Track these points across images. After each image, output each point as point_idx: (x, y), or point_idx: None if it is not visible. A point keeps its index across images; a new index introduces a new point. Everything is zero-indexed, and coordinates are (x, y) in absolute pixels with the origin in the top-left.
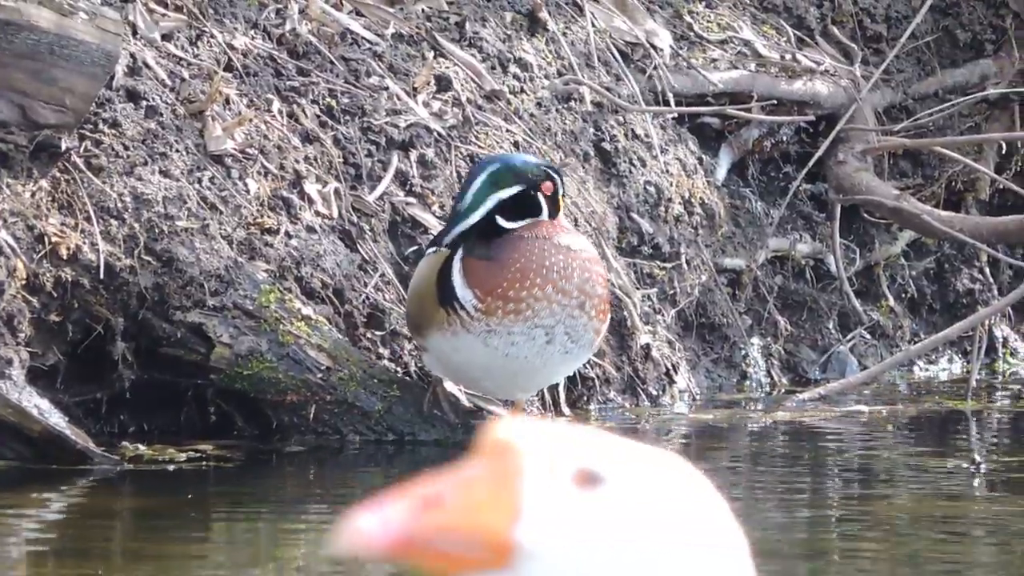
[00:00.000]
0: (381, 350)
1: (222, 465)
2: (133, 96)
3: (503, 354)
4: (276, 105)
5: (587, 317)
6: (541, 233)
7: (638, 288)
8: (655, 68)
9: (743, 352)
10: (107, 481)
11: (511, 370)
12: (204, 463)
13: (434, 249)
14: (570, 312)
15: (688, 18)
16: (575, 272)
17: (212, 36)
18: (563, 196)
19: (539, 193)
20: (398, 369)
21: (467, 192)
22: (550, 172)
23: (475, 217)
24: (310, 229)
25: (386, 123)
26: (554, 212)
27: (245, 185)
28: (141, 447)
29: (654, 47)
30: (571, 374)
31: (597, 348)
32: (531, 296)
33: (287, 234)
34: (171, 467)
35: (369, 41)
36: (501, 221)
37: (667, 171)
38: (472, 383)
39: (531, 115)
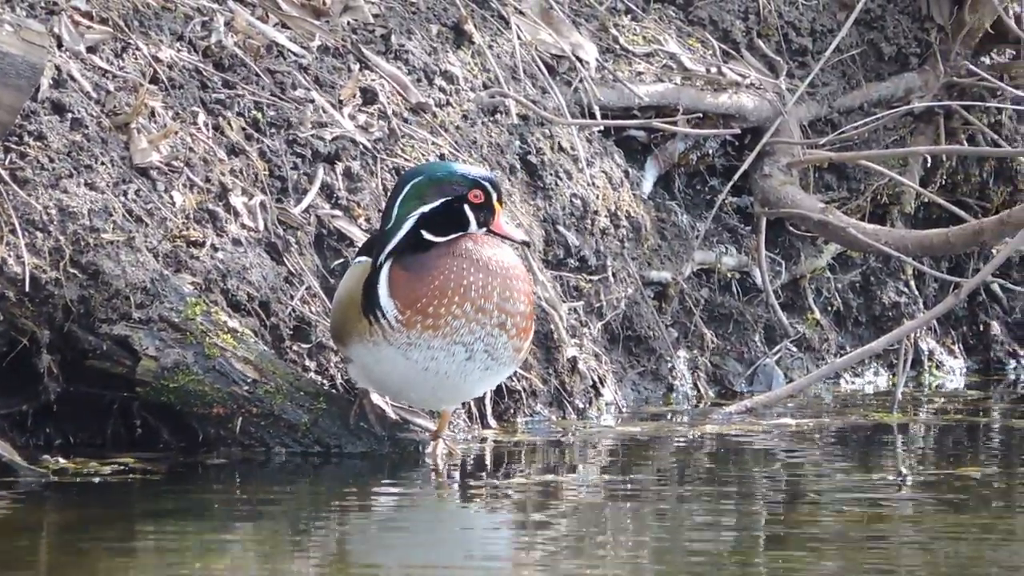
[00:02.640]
0: (307, 363)
1: (148, 478)
2: (58, 108)
3: (423, 368)
4: (202, 118)
5: (507, 336)
6: (463, 249)
7: (564, 301)
8: (581, 81)
9: (669, 365)
10: (32, 494)
11: (431, 384)
12: (130, 476)
13: (360, 259)
14: (489, 331)
15: (614, 31)
16: (495, 291)
17: (138, 48)
18: (500, 201)
19: (465, 204)
20: (324, 382)
21: (392, 208)
22: (478, 180)
23: (399, 235)
24: (236, 242)
25: (312, 136)
26: (486, 220)
27: (171, 198)
28: (63, 460)
29: (580, 60)
30: (496, 386)
31: (522, 362)
32: (449, 313)
33: (213, 247)
34: (96, 480)
35: (295, 54)
36: (427, 235)
37: (593, 184)
38: (396, 394)
39: (457, 128)
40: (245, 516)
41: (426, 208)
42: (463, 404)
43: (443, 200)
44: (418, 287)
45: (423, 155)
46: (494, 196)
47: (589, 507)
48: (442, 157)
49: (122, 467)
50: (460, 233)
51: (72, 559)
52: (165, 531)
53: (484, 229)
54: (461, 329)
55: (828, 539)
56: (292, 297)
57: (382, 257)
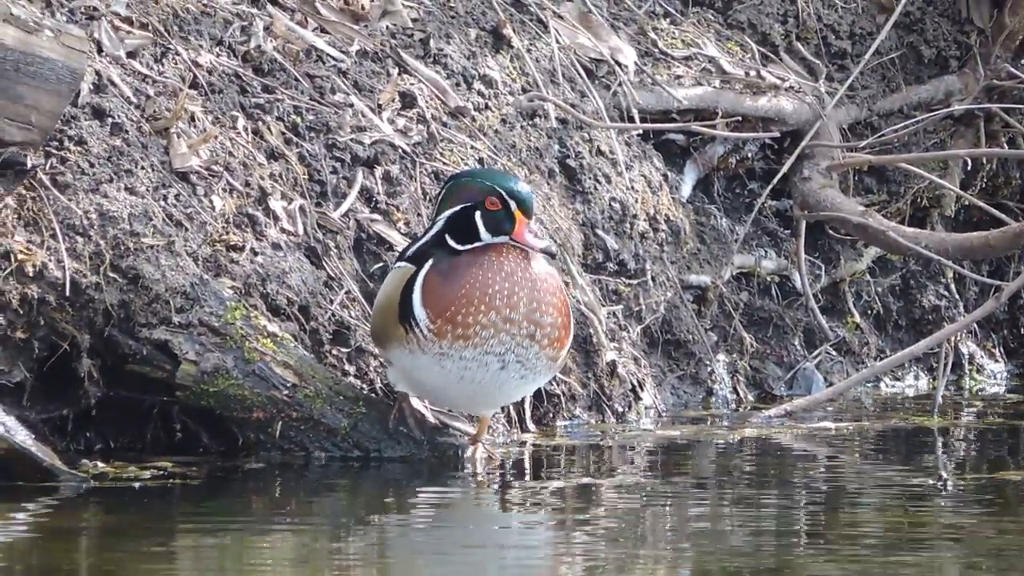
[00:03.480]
0: (347, 367)
1: (187, 482)
2: (99, 113)
3: (458, 377)
4: (241, 122)
5: (538, 347)
6: (489, 258)
7: (604, 305)
8: (620, 85)
9: (709, 369)
10: (73, 499)
11: (468, 391)
12: (169, 481)
13: (400, 264)
14: (519, 342)
15: (652, 35)
16: (521, 301)
17: (177, 53)
18: (523, 210)
19: (477, 211)
20: (364, 386)
21: (434, 210)
22: (494, 187)
23: (430, 235)
24: (275, 246)
25: (351, 140)
26: (503, 228)
27: (211, 202)
28: (102, 465)
29: (619, 64)
30: (535, 391)
31: (560, 367)
32: (477, 323)
33: (252, 251)
34: (136, 484)
35: (334, 58)
36: (451, 242)
37: (632, 187)
38: (435, 399)
39: (496, 132)
40: (284, 520)
41: (450, 212)
42: (502, 408)
43: (462, 205)
44: (447, 295)
45: (462, 159)
46: (512, 204)
47: (627, 510)
48: (481, 162)
49: (161, 471)
50: (479, 242)
51: (112, 565)
52: (205, 536)
53: (505, 238)
54: (491, 340)
55: (868, 542)
56: (332, 301)
57: (411, 252)
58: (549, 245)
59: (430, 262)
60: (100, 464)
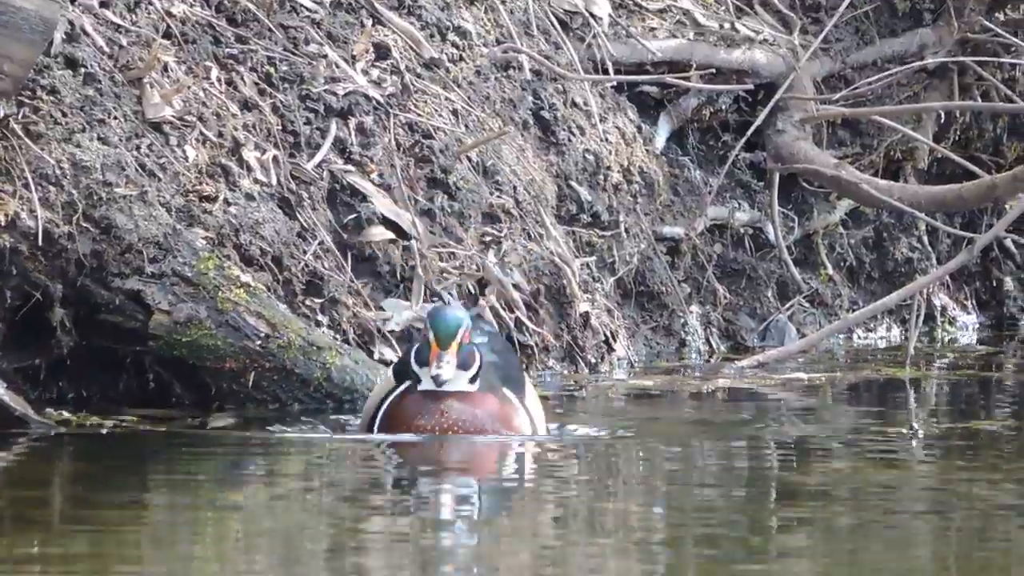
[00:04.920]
0: (320, 317)
1: (156, 430)
2: (71, 63)
3: None
4: (215, 72)
5: None
6: (429, 403)
7: (577, 256)
8: (594, 36)
9: (682, 320)
10: (44, 447)
11: None
12: (140, 428)
13: (390, 374)
14: None
15: None
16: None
17: (150, 3)
18: (436, 339)
19: (416, 347)
20: (337, 336)
21: None
22: (426, 320)
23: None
24: (249, 196)
25: (325, 91)
26: (424, 359)
27: (184, 152)
28: (67, 414)
29: (593, 15)
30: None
31: None
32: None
33: (226, 201)
34: (105, 432)
35: (308, 8)
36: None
37: (606, 139)
38: None
39: (470, 83)
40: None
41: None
42: None
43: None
44: (399, 427)
45: (436, 111)
46: (430, 334)
47: (602, 458)
48: (455, 112)
49: (130, 420)
50: (418, 379)
51: (80, 510)
52: (175, 484)
53: (427, 369)
54: None
55: (840, 493)
56: (305, 252)
57: (398, 372)
58: (439, 375)
59: (403, 387)
60: (65, 413)
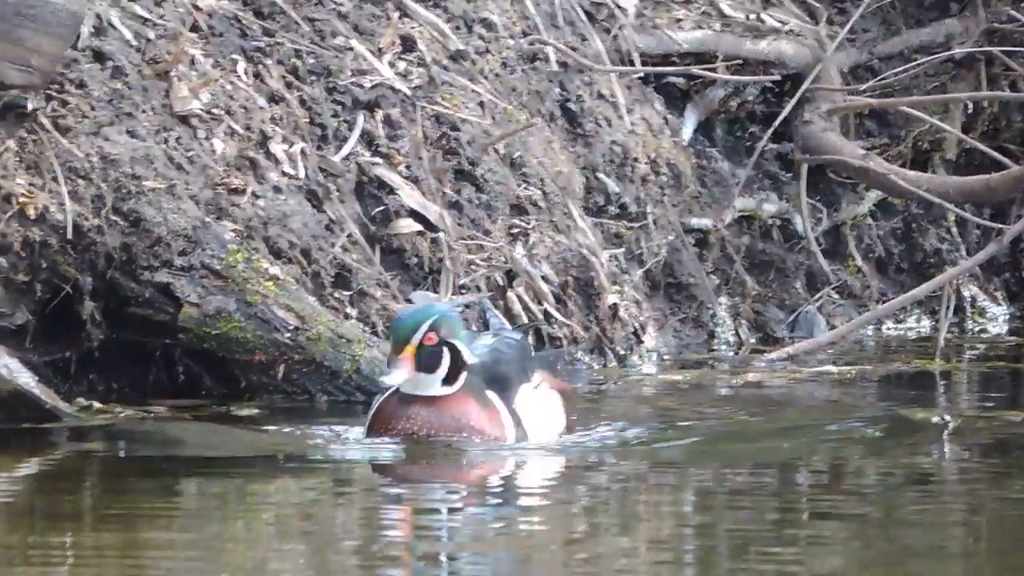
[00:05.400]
0: (349, 310)
1: (189, 423)
2: (99, 57)
3: None
4: (242, 65)
5: None
6: (403, 406)
7: (605, 248)
8: (620, 28)
9: (711, 312)
10: (76, 439)
11: None
12: (171, 421)
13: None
14: None
15: None
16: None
17: None
18: (395, 344)
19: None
20: (366, 328)
21: None
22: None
23: None
24: (277, 189)
25: (351, 83)
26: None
27: (211, 145)
28: (97, 405)
29: (619, 7)
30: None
31: None
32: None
33: (254, 194)
34: (134, 423)
35: (334, 1)
36: None
37: (633, 131)
38: None
39: (496, 75)
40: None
41: None
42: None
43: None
44: (381, 429)
45: (463, 103)
46: (391, 339)
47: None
48: (482, 104)
49: (164, 412)
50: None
51: (115, 504)
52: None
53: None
54: None
55: (871, 485)
56: (333, 244)
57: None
58: (383, 380)
59: (391, 390)
60: (96, 404)
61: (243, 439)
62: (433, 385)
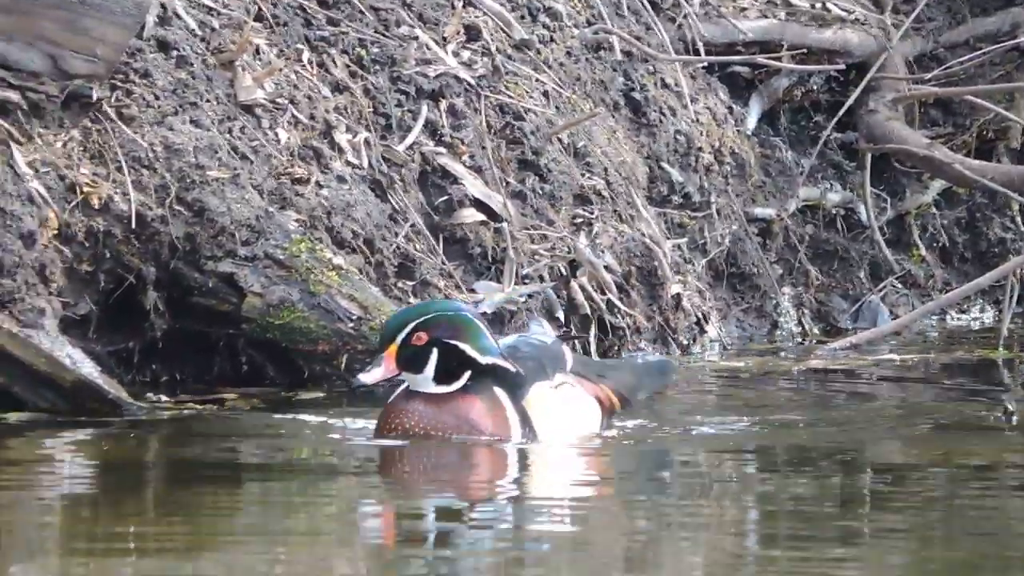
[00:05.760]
0: (412, 300)
1: (253, 414)
2: (164, 46)
3: None
4: (306, 55)
5: None
6: (407, 403)
7: (668, 238)
8: (685, 17)
9: (774, 302)
10: (139, 430)
11: None
12: (236, 412)
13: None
14: None
15: None
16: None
17: None
18: (382, 343)
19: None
20: None
21: None
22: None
23: None
24: (340, 179)
25: (416, 73)
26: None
27: (276, 135)
28: (165, 398)
29: None
30: (600, 323)
31: None
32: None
33: (318, 184)
34: (202, 417)
35: None
36: None
37: (697, 120)
38: None
39: (560, 64)
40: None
41: None
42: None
43: None
44: (380, 424)
45: (527, 92)
46: (386, 345)
47: (695, 439)
48: (546, 94)
49: (225, 403)
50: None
51: (179, 495)
52: (271, 465)
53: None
54: None
55: (934, 474)
56: (396, 235)
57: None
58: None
59: (403, 387)
60: (164, 397)
61: (299, 430)
62: (426, 384)
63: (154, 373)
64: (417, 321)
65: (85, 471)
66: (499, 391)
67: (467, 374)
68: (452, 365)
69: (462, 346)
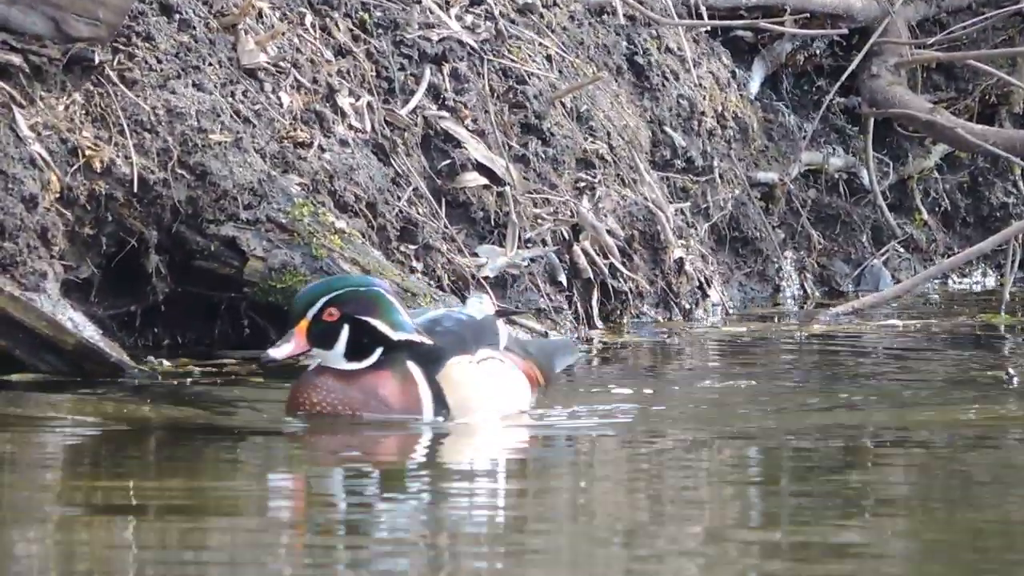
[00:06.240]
0: (415, 263)
1: (250, 377)
2: (166, 9)
3: None
4: (309, 18)
5: None
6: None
7: (671, 202)
8: None
9: (776, 266)
10: (140, 393)
11: None
12: (234, 375)
13: None
14: None
15: None
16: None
17: None
18: (295, 318)
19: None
20: (431, 282)
21: None
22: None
23: None
24: (343, 143)
25: (419, 37)
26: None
27: (278, 99)
28: (167, 363)
29: None
30: (603, 287)
31: None
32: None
33: (320, 148)
34: (201, 378)
35: None
36: None
37: (700, 85)
38: None
39: (564, 28)
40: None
41: None
42: (569, 305)
43: None
44: (289, 400)
45: (530, 56)
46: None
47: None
48: (549, 58)
49: (223, 367)
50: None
51: (179, 454)
52: (267, 427)
53: None
54: None
55: (935, 438)
56: (399, 198)
57: None
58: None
59: (316, 363)
60: (165, 362)
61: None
62: (337, 360)
63: (156, 337)
64: (328, 297)
65: (86, 432)
66: (412, 366)
67: (379, 350)
68: (363, 341)
69: (373, 322)
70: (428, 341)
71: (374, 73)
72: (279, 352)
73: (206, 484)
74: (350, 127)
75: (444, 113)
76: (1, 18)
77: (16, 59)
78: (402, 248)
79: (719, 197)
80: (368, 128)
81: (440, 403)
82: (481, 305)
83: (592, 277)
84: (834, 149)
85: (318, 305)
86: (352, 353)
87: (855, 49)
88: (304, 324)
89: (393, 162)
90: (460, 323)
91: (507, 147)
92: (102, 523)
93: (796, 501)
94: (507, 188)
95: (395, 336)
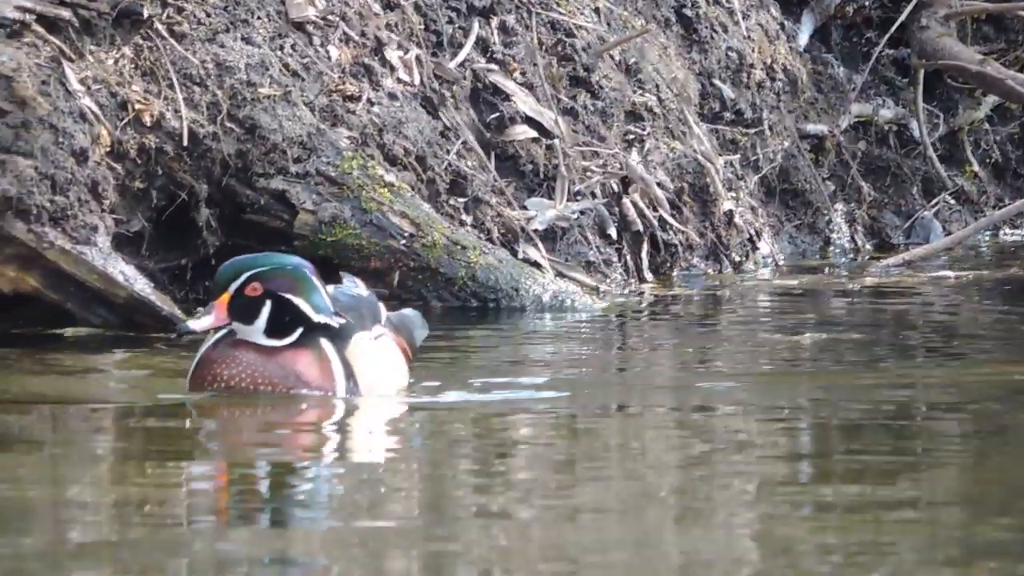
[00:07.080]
0: (464, 216)
1: None
2: None
3: None
4: None
5: None
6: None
7: (720, 154)
8: None
9: (826, 218)
10: (190, 345)
11: None
12: None
13: None
14: None
15: None
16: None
17: None
18: (218, 291)
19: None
20: (481, 235)
21: None
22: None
23: None
24: (392, 96)
25: None
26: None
27: (327, 52)
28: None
29: None
30: (653, 240)
31: None
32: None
33: (369, 101)
34: None
35: None
36: None
37: (749, 37)
38: None
39: None
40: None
41: None
42: (620, 259)
43: None
44: (195, 374)
45: (578, 9)
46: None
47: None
48: (597, 11)
49: None
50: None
51: (227, 407)
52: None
53: None
54: None
55: (987, 391)
56: (448, 152)
57: None
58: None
59: (221, 334)
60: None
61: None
62: (256, 335)
63: (206, 290)
64: (253, 272)
65: (137, 383)
66: (325, 342)
67: (299, 330)
68: (285, 319)
69: (296, 301)
70: (343, 323)
71: (422, 26)
72: (198, 324)
73: None
74: (398, 80)
75: (493, 66)
76: None
77: (65, 13)
78: (451, 201)
79: (768, 149)
80: (417, 81)
81: (351, 380)
82: (355, 284)
83: (641, 230)
84: (884, 101)
85: (241, 279)
86: (272, 330)
87: (904, 0)
88: (226, 297)
89: (442, 115)
90: (355, 299)
91: (556, 100)
92: (155, 471)
93: (844, 455)
94: (556, 141)
95: (316, 318)
